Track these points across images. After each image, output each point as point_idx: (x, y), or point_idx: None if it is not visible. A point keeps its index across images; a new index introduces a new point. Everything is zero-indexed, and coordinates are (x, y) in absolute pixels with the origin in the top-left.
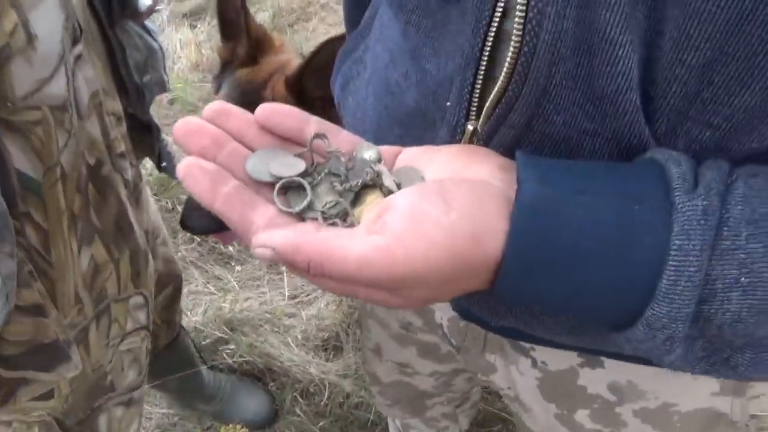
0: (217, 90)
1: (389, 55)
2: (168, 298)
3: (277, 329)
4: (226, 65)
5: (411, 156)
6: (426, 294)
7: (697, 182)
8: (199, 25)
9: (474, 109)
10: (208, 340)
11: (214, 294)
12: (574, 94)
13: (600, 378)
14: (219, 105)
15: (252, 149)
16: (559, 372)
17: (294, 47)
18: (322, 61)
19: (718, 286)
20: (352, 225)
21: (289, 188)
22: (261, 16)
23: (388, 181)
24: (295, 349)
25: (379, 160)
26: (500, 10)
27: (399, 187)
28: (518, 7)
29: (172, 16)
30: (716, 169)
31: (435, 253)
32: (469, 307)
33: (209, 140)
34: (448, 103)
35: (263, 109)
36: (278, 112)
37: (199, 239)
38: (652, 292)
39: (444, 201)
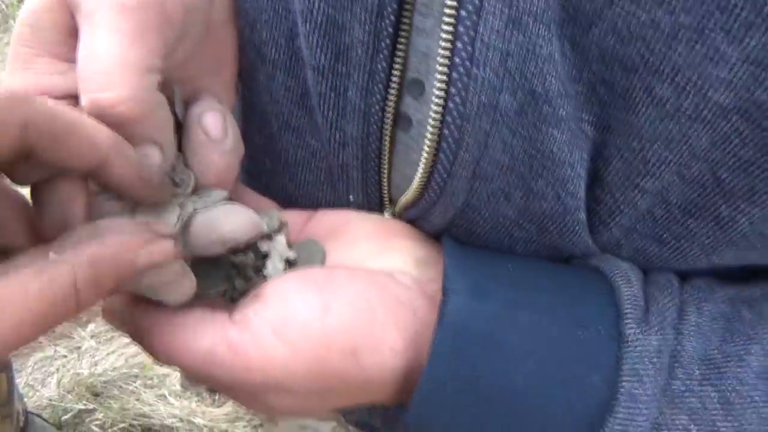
0: None
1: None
2: None
3: (150, 382)
4: None
5: (326, 223)
6: (290, 404)
7: (648, 306)
8: None
9: (386, 197)
10: (69, 414)
11: (67, 357)
12: (504, 208)
13: None
14: None
15: None
16: None
17: None
18: None
19: None
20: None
21: None
22: None
23: (275, 259)
24: (174, 401)
25: (279, 230)
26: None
27: (292, 264)
28: (430, 121)
29: None
30: (669, 292)
31: (299, 364)
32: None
33: None
34: (351, 197)
35: None
36: None
37: None
38: None
39: (323, 299)
